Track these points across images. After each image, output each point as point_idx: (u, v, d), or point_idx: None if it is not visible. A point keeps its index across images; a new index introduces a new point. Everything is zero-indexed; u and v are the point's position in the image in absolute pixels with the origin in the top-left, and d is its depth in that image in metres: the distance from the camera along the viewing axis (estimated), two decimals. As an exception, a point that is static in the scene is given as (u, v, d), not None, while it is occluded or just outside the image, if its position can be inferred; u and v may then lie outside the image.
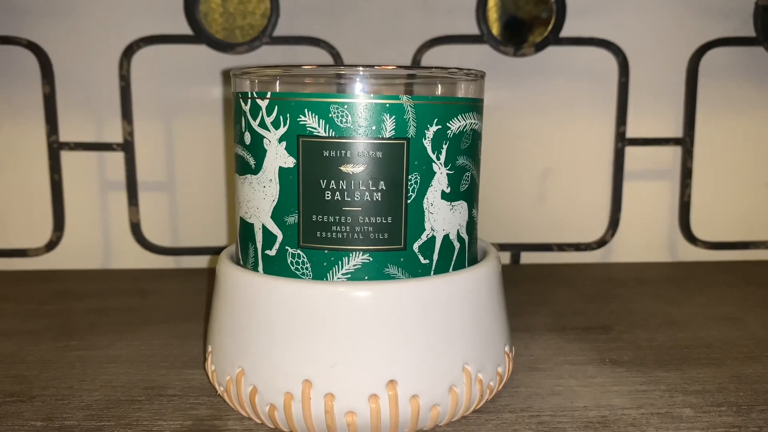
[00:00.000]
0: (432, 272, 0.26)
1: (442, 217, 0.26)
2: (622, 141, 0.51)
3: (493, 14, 0.50)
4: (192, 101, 0.50)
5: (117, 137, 0.50)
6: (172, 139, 0.51)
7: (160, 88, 0.50)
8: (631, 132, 0.51)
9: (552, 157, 0.52)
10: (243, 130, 0.26)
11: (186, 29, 0.48)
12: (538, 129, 0.52)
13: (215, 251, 0.51)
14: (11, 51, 0.49)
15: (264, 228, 0.26)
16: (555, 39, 0.49)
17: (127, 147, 0.49)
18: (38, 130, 0.50)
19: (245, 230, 0.27)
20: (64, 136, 0.50)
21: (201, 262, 0.52)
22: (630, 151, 0.52)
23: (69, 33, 0.49)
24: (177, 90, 0.50)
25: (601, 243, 0.52)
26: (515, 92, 0.51)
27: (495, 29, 0.50)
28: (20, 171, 0.51)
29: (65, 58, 0.49)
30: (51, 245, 0.50)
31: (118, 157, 0.50)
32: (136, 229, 0.50)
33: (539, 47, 0.49)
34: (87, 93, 0.50)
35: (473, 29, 0.50)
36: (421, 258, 0.26)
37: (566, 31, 0.50)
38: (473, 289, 0.26)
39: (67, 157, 0.50)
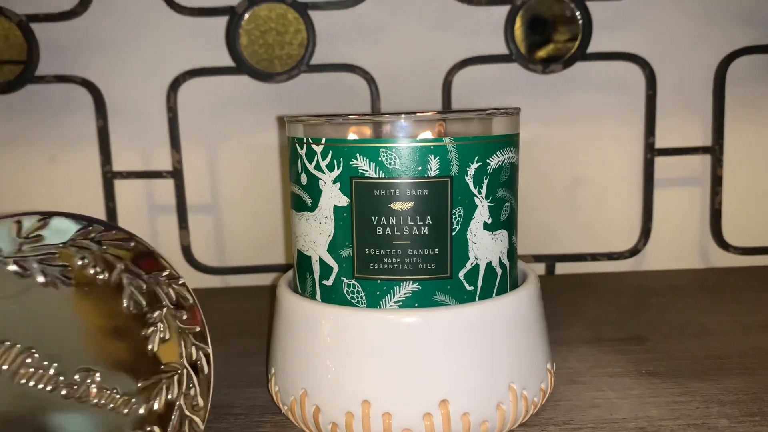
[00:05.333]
0: (477, 298, 0.28)
1: (484, 246, 0.28)
2: (651, 152, 0.52)
3: (520, 34, 0.51)
4: (235, 128, 0.53)
5: (166, 165, 0.53)
6: (217, 165, 0.54)
7: (205, 118, 0.53)
8: (660, 142, 0.53)
9: (582, 169, 0.54)
10: (299, 171, 0.29)
11: (228, 61, 0.51)
12: (568, 142, 0.53)
13: (260, 270, 0.54)
14: (67, 89, 0.52)
15: (321, 260, 0.28)
16: (582, 55, 0.51)
17: (176, 174, 0.52)
18: (93, 160, 0.53)
19: (303, 262, 0.30)
20: (117, 165, 0.53)
21: (245, 280, 0.55)
22: (659, 161, 0.53)
23: (119, 69, 0.52)
24: (221, 118, 0.53)
25: (634, 252, 0.53)
26: (545, 107, 0.53)
27: (523, 48, 0.51)
28: (77, 199, 0.54)
29: (116, 93, 0.52)
30: (108, 269, 0.53)
31: (168, 183, 0.53)
32: (186, 251, 0.53)
33: (567, 64, 0.51)
34: (137, 125, 0.53)
35: (502, 49, 0.52)
36: (467, 285, 0.28)
37: (593, 47, 0.51)
38: (516, 312, 0.28)
39: (120, 186, 0.53)
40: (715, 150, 0.52)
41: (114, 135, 0.52)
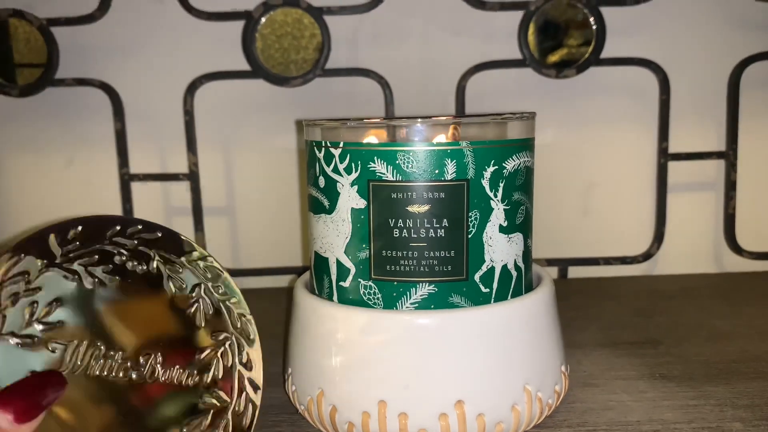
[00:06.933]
0: (492, 300, 0.28)
1: (500, 249, 0.28)
2: (664, 156, 0.52)
3: (533, 39, 0.52)
4: (250, 131, 0.54)
5: (183, 168, 0.54)
6: (233, 168, 0.54)
7: (221, 121, 0.54)
8: (674, 147, 0.53)
9: (596, 174, 0.54)
10: (317, 174, 0.29)
11: (244, 65, 0.52)
12: (582, 147, 0.54)
13: (275, 272, 0.54)
14: (86, 92, 0.53)
15: (338, 262, 0.29)
16: (596, 60, 0.51)
17: (193, 177, 0.53)
18: (110, 163, 0.54)
19: (320, 263, 0.30)
20: (134, 168, 0.53)
21: (260, 282, 0.55)
22: (673, 166, 0.53)
23: (137, 73, 0.53)
24: (236, 121, 0.54)
25: (647, 256, 0.53)
26: (559, 112, 0.53)
27: (536, 53, 0.52)
28: (95, 201, 0.55)
29: (134, 97, 0.53)
30: (125, 270, 0.54)
31: (184, 186, 0.54)
32: (202, 252, 0.54)
33: (581, 69, 0.51)
34: (154, 128, 0.54)
35: (515, 54, 0.52)
36: (482, 287, 0.28)
37: (606, 52, 0.51)
38: (531, 314, 0.29)
39: (137, 188, 0.54)
40: (729, 155, 0.52)
41: (131, 138, 0.53)
